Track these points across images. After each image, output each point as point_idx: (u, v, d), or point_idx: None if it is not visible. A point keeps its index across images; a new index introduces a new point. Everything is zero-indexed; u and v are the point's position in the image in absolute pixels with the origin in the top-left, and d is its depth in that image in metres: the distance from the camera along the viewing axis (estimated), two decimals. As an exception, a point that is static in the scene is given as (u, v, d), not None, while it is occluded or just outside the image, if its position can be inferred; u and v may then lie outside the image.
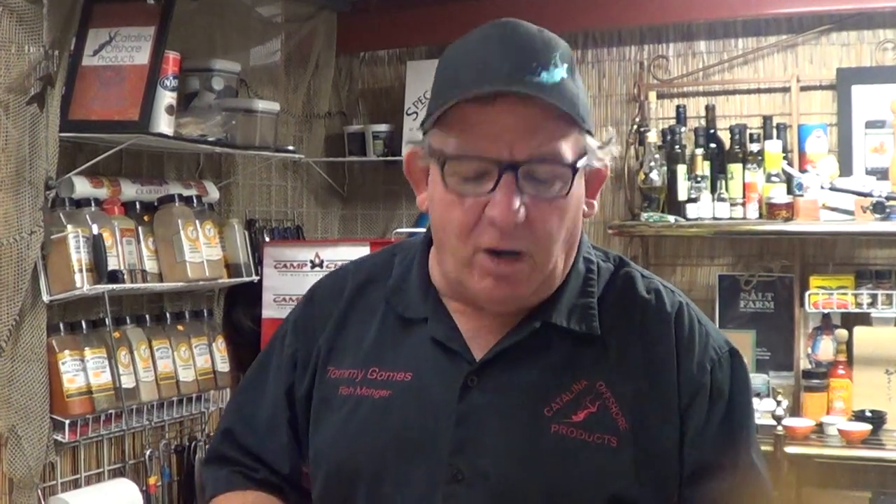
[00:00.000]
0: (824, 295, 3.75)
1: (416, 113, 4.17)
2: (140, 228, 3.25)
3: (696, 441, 1.53)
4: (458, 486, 1.48)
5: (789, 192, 3.75)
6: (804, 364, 3.90)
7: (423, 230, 1.79)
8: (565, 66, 1.43)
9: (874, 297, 3.70)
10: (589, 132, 1.48)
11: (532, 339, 1.54)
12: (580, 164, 1.46)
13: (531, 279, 1.49)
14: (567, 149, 1.44)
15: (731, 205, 3.80)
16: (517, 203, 1.41)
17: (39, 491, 2.97)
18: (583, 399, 1.51)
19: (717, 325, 3.99)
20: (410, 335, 1.60)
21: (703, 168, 3.85)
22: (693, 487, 1.53)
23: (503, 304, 1.52)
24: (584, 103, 1.46)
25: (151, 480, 3.37)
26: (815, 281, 3.82)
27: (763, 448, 3.57)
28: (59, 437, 3.01)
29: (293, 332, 1.72)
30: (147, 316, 3.39)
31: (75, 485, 3.15)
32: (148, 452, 3.39)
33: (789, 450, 3.60)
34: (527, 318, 1.54)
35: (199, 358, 3.49)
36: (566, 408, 1.50)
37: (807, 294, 3.78)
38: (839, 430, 3.65)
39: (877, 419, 3.68)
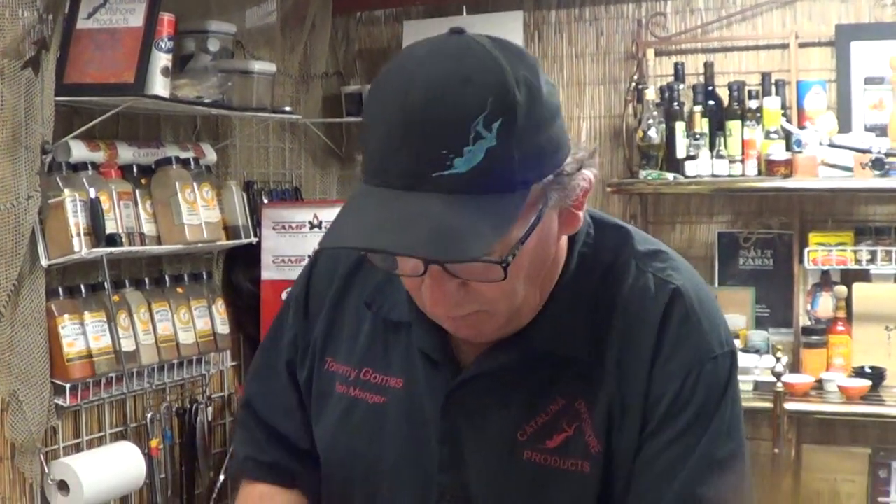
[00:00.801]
0: (823, 252, 3.76)
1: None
2: (137, 191, 3.23)
3: (645, 447, 1.38)
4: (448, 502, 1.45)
5: (788, 148, 3.75)
6: (804, 321, 3.91)
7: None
8: (496, 125, 1.19)
9: (873, 253, 3.71)
10: (554, 172, 1.27)
11: (516, 357, 1.41)
12: (525, 234, 1.26)
13: (495, 321, 1.35)
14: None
15: (730, 162, 3.80)
16: (449, 289, 1.29)
17: (41, 455, 2.97)
18: (560, 421, 1.39)
19: (717, 283, 4.03)
20: (399, 337, 1.50)
21: (702, 125, 3.84)
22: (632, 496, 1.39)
23: (473, 339, 1.41)
24: (529, 157, 1.22)
25: (153, 443, 3.38)
26: (814, 238, 3.82)
27: (763, 405, 3.64)
28: (60, 402, 3.01)
29: (294, 312, 1.62)
30: (146, 279, 3.38)
31: (77, 449, 3.15)
32: (149, 415, 3.40)
33: (789, 406, 3.62)
34: (514, 337, 1.40)
35: (198, 320, 3.48)
36: (541, 432, 1.40)
37: (806, 251, 3.79)
38: (839, 387, 3.66)
39: (876, 375, 3.69)
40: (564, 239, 1.41)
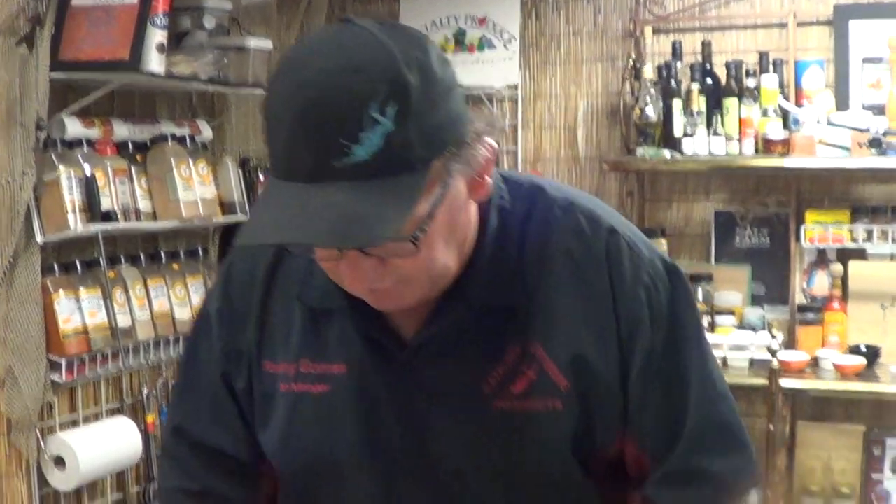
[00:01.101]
0: (820, 230, 3.76)
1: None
2: (133, 168, 3.24)
3: (641, 373, 1.43)
4: (417, 477, 1.45)
5: (785, 127, 3.74)
6: (800, 298, 3.91)
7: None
8: (390, 110, 1.21)
9: (870, 232, 3.71)
10: (457, 145, 1.29)
11: (457, 318, 1.42)
12: (433, 206, 1.28)
13: (417, 288, 1.36)
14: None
15: (727, 140, 3.80)
16: (366, 268, 1.30)
17: (38, 431, 2.98)
18: (519, 367, 1.41)
19: (713, 260, 4.03)
20: (332, 324, 1.48)
21: (699, 103, 3.83)
22: (639, 421, 1.45)
23: (396, 309, 1.41)
24: (427, 135, 1.24)
25: (149, 419, 3.39)
26: (810, 216, 3.82)
27: (758, 382, 3.64)
28: (56, 378, 3.01)
29: (219, 324, 1.57)
30: (142, 255, 3.38)
31: (73, 424, 3.16)
32: (145, 391, 3.40)
33: (784, 383, 3.63)
34: (447, 299, 1.41)
35: (194, 296, 3.48)
36: (504, 380, 1.41)
37: (802, 229, 3.79)
38: (834, 364, 3.67)
39: (871, 353, 3.70)
40: (466, 230, 1.41)
